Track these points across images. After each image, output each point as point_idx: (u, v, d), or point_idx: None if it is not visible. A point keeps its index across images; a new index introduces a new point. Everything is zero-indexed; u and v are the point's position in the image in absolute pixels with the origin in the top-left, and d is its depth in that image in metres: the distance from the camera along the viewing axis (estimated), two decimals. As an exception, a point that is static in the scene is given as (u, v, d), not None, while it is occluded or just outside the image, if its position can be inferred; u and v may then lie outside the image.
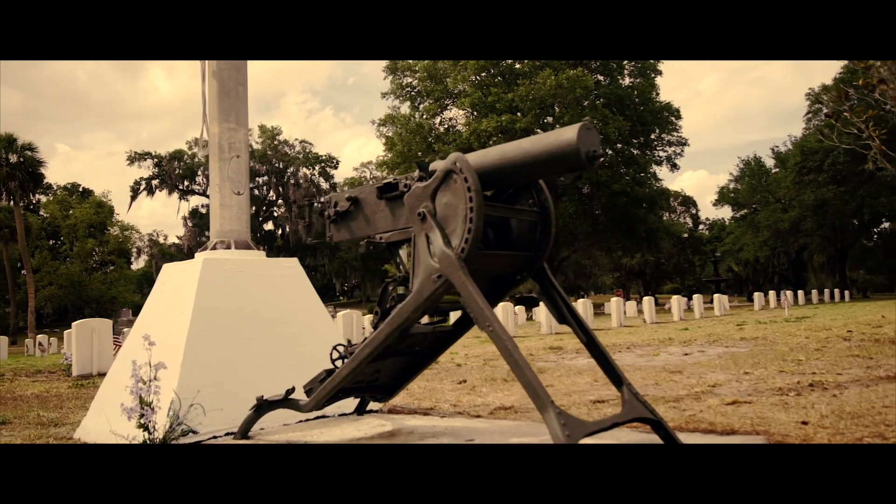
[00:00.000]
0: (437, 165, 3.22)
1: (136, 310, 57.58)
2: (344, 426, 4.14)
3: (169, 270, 4.69)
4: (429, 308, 3.22)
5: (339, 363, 3.57)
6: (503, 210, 3.22)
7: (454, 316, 3.85)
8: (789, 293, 30.07)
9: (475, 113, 35.42)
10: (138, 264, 63.14)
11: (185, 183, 56.97)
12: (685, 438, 3.04)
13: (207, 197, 57.32)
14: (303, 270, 4.86)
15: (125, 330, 20.42)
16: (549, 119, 35.54)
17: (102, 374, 10.31)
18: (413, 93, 38.05)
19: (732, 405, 4.09)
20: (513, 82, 34.61)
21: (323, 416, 4.39)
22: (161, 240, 58.49)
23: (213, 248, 4.66)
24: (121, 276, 52.56)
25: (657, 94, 38.30)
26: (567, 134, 2.84)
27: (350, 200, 3.67)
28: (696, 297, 26.08)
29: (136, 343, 4.41)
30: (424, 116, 37.09)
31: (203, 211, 57.59)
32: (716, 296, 27.41)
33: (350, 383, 3.55)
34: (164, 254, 54.31)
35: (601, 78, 37.70)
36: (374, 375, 3.72)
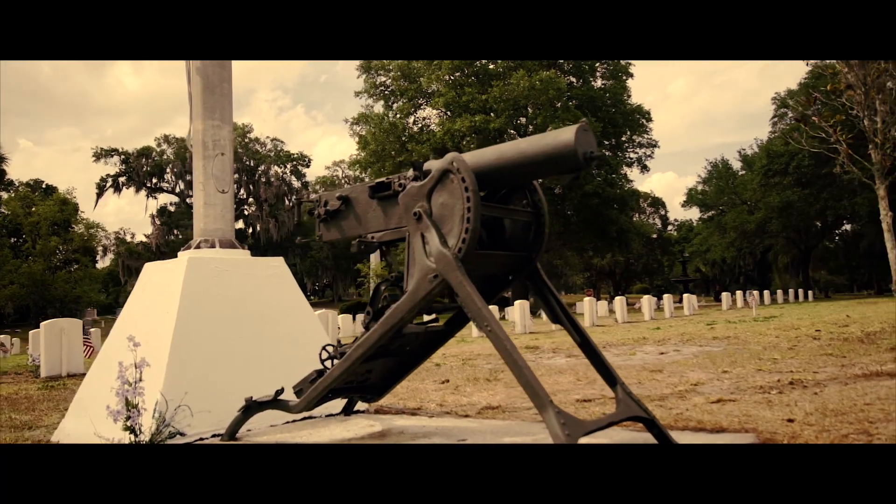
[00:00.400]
0: (433, 165, 3.22)
1: (102, 310, 56.43)
2: (332, 427, 4.11)
3: (151, 269, 4.61)
4: (423, 308, 3.22)
5: (328, 363, 3.54)
6: (498, 210, 3.23)
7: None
8: (756, 293, 30.67)
9: (449, 113, 35.44)
10: (104, 263, 61.91)
11: (154, 180, 55.98)
12: (676, 436, 3.08)
13: (176, 195, 56.73)
14: (288, 270, 4.82)
15: (91, 330, 20.00)
16: (523, 120, 35.75)
17: (72, 376, 10.09)
18: (387, 92, 37.91)
19: (718, 403, 4.16)
20: (487, 83, 34.70)
21: (310, 417, 4.35)
22: (128, 238, 57.32)
23: (198, 246, 4.59)
24: (85, 274, 51.32)
25: (628, 96, 38.75)
26: (564, 135, 2.86)
27: (341, 199, 3.64)
28: (666, 296, 26.48)
29: (119, 343, 4.33)
30: (398, 116, 36.99)
31: (172, 209, 56.65)
32: (685, 296, 27.87)
33: (341, 384, 3.53)
34: (132, 252, 53.22)
35: (573, 80, 38.01)
36: (364, 376, 3.70)
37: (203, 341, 4.12)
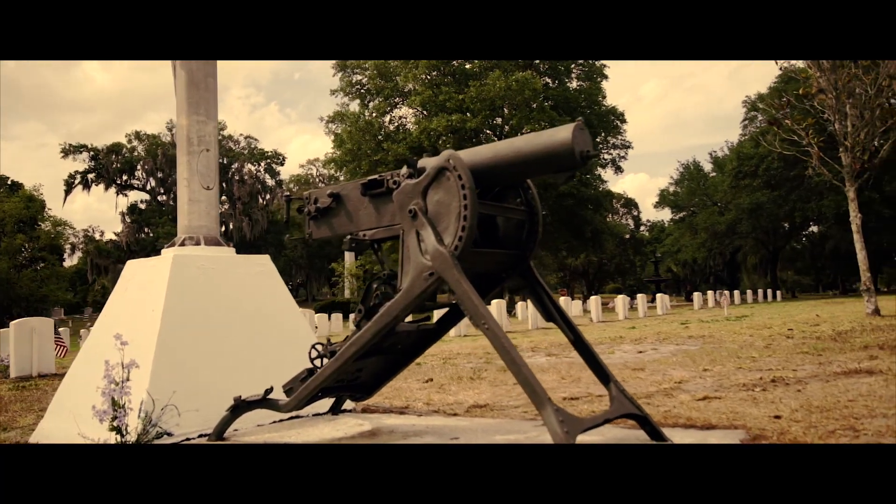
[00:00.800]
0: (428, 162, 3.21)
1: (69, 309, 55.18)
2: (321, 426, 4.08)
3: (134, 267, 4.52)
4: (417, 306, 3.21)
5: (317, 362, 3.51)
6: (493, 208, 3.23)
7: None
8: (727, 293, 31.17)
9: (425, 112, 35.39)
10: (71, 261, 60.63)
11: (124, 177, 54.97)
12: (668, 433, 3.11)
13: (147, 192, 55.72)
14: (274, 268, 4.76)
15: (60, 329, 19.57)
16: (499, 120, 35.84)
17: (43, 376, 9.86)
18: (363, 90, 37.73)
19: (704, 401, 4.22)
20: (463, 82, 34.72)
21: (297, 417, 4.31)
22: (97, 236, 56.20)
23: (182, 244, 4.51)
24: (52, 273, 50.18)
25: (603, 97, 39.05)
26: (561, 134, 2.88)
27: (332, 197, 3.62)
28: (640, 296, 26.77)
29: (100, 342, 4.25)
30: (374, 114, 36.82)
31: (142, 206, 55.69)
32: (658, 295, 28.19)
33: (332, 382, 3.50)
34: (101, 251, 52.21)
35: (549, 81, 38.20)
36: (355, 374, 3.67)
37: (189, 340, 4.05)
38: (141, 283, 4.34)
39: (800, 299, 41.29)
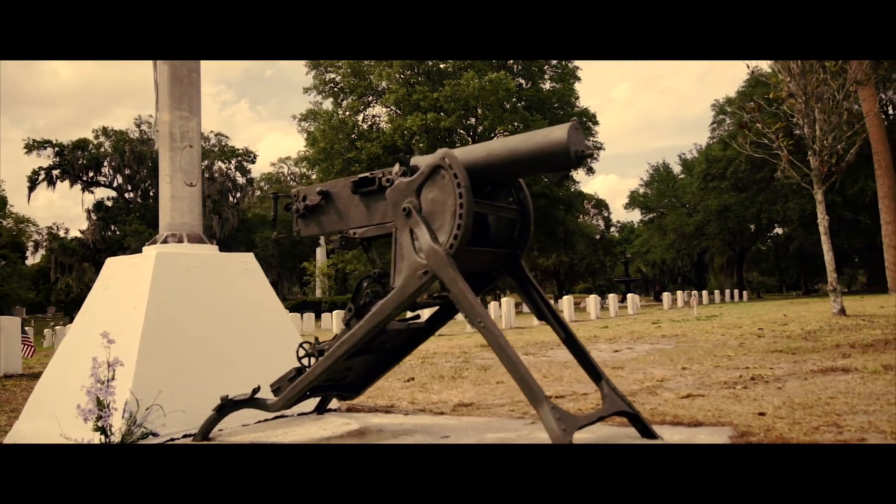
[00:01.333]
0: (421, 161, 3.21)
1: (31, 308, 53.84)
2: (307, 425, 4.04)
3: (114, 265, 4.42)
4: (410, 305, 3.20)
5: (305, 361, 3.48)
6: (487, 207, 3.24)
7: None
8: (695, 293, 31.65)
9: (399, 111, 35.30)
10: (34, 259, 59.18)
11: (90, 174, 53.79)
12: (656, 430, 3.15)
13: (114, 189, 54.59)
14: (259, 266, 4.71)
15: (26, 328, 19.09)
16: (473, 120, 35.94)
17: (10, 376, 9.60)
18: (336, 89, 37.49)
19: (687, 398, 4.28)
20: (438, 81, 34.72)
21: (282, 416, 4.26)
22: (62, 234, 54.91)
23: (164, 241, 4.43)
24: (14, 271, 48.99)
25: (576, 98, 39.36)
26: (557, 133, 2.89)
27: (321, 194, 3.59)
28: (611, 296, 27.08)
29: (79, 341, 4.15)
30: (347, 113, 36.62)
31: (109, 204, 54.55)
32: (629, 295, 28.55)
33: (321, 381, 3.47)
34: (65, 249, 51.03)
35: (523, 81, 38.42)
36: (344, 373, 3.65)
37: (173, 338, 3.98)
38: (122, 281, 4.25)
39: (765, 299, 42.13)
